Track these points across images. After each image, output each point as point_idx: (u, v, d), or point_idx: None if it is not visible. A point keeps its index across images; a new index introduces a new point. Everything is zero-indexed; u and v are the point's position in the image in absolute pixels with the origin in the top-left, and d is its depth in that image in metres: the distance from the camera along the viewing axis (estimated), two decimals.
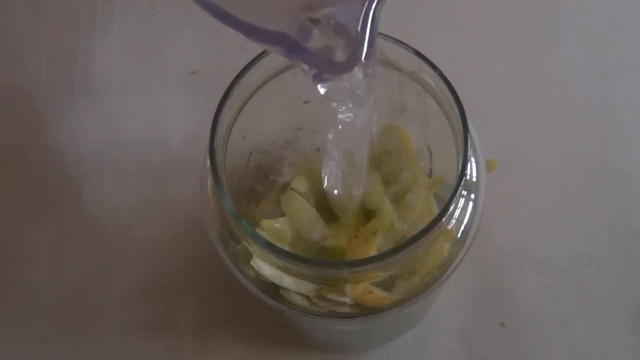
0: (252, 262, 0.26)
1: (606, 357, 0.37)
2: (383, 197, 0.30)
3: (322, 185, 0.30)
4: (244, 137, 0.29)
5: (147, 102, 0.44)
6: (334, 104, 0.24)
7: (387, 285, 0.27)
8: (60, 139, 0.43)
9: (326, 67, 0.22)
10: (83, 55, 0.45)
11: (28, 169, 0.42)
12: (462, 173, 0.25)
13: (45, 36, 0.46)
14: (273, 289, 0.27)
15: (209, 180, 0.27)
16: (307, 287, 0.27)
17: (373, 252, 0.28)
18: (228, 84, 0.27)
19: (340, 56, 0.22)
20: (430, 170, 0.32)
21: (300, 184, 0.30)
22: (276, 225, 0.29)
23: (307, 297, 0.27)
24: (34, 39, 0.46)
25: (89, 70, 0.45)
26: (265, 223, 0.29)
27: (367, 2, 0.22)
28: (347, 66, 0.22)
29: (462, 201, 0.27)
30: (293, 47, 0.22)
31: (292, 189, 0.30)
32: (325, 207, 0.30)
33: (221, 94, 0.27)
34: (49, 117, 0.44)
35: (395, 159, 0.31)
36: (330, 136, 0.26)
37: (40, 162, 0.42)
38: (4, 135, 0.43)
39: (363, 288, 0.26)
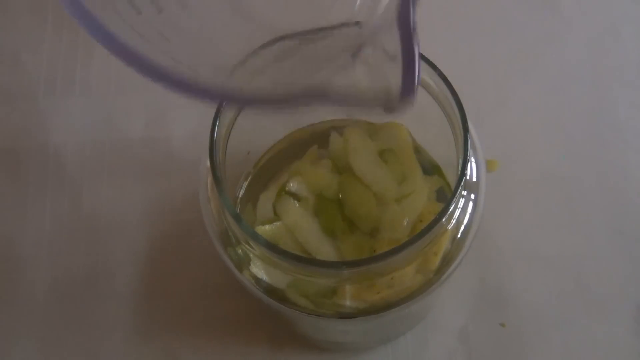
0: (250, 268, 0.26)
1: (606, 357, 0.37)
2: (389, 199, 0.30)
3: (320, 185, 0.30)
4: (244, 137, 0.29)
5: (147, 102, 0.44)
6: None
7: (387, 285, 0.27)
8: (60, 139, 0.43)
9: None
10: (83, 55, 0.45)
11: (28, 169, 0.42)
12: (462, 173, 0.25)
13: (45, 36, 0.46)
14: (273, 289, 0.27)
15: (209, 180, 0.27)
16: (307, 287, 0.27)
17: None
18: None
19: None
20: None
21: (296, 185, 0.30)
22: (276, 231, 0.29)
23: (307, 298, 0.27)
24: (34, 39, 0.46)
25: (89, 70, 0.45)
26: (261, 230, 0.29)
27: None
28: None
29: (462, 201, 0.27)
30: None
31: (287, 190, 0.30)
32: (325, 208, 0.30)
33: None
34: (49, 117, 0.44)
35: (396, 156, 0.31)
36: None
37: (40, 162, 0.42)
38: (4, 135, 0.43)
39: (363, 288, 0.26)
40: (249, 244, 0.26)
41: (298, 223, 0.29)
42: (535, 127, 0.42)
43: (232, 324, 0.38)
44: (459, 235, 0.27)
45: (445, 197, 0.31)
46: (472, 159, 0.28)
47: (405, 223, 0.29)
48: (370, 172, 0.30)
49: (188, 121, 0.43)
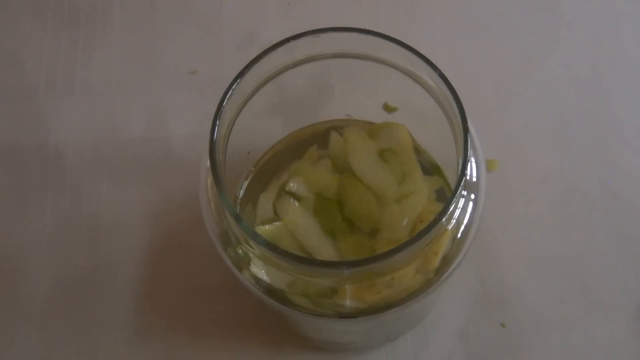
0: (250, 268, 0.26)
1: (606, 357, 0.37)
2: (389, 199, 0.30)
3: (320, 185, 0.30)
4: (244, 137, 0.29)
5: (147, 102, 0.44)
6: None
7: (387, 285, 0.27)
8: (60, 138, 0.43)
9: None
10: (83, 55, 0.45)
11: (28, 169, 0.42)
12: (462, 173, 0.25)
13: (45, 36, 0.46)
14: (273, 289, 0.27)
15: (209, 180, 0.27)
16: (307, 287, 0.27)
17: None
18: (228, 84, 0.27)
19: None
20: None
21: (296, 185, 0.30)
22: (276, 231, 0.29)
23: (307, 298, 0.27)
24: (34, 39, 0.46)
25: (89, 70, 0.45)
26: (261, 229, 0.29)
27: None
28: None
29: (462, 201, 0.27)
30: None
31: (287, 190, 0.30)
32: (325, 208, 0.30)
33: (221, 94, 0.27)
34: (49, 117, 0.44)
35: (396, 156, 0.31)
36: None
37: (41, 161, 0.42)
38: (4, 135, 0.43)
39: (363, 288, 0.26)
40: (249, 244, 0.26)
41: (298, 223, 0.29)
42: (535, 127, 0.42)
43: (232, 324, 0.38)
44: (459, 235, 0.27)
45: (445, 197, 0.31)
46: (472, 159, 0.28)
47: (405, 223, 0.29)
48: (370, 172, 0.30)
49: (188, 121, 0.43)
